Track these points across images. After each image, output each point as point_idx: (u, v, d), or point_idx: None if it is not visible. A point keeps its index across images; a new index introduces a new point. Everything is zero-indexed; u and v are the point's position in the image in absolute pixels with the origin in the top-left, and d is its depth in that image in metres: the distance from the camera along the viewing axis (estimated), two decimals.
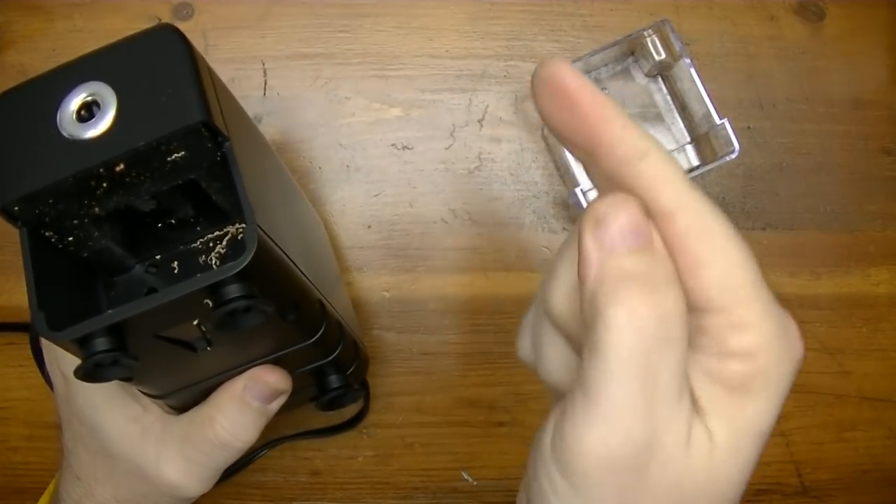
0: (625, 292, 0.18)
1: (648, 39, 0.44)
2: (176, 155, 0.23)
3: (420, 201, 0.45)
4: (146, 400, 0.31)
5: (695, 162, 0.45)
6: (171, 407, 0.31)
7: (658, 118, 0.46)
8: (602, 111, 0.19)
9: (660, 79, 0.46)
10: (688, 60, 0.42)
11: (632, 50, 0.46)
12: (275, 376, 0.30)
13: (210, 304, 0.22)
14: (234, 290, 0.22)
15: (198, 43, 0.46)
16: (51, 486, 0.40)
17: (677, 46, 0.43)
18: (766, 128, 0.47)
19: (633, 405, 0.18)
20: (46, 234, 0.24)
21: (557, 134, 0.20)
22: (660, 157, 0.19)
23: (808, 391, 0.45)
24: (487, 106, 0.47)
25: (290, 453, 0.44)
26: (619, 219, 0.19)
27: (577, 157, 0.20)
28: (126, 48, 0.24)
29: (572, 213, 0.45)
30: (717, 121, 0.42)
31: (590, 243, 0.19)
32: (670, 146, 0.46)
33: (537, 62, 0.20)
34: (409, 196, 0.45)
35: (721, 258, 0.19)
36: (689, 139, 0.46)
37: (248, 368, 0.30)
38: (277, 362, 0.31)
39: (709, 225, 0.19)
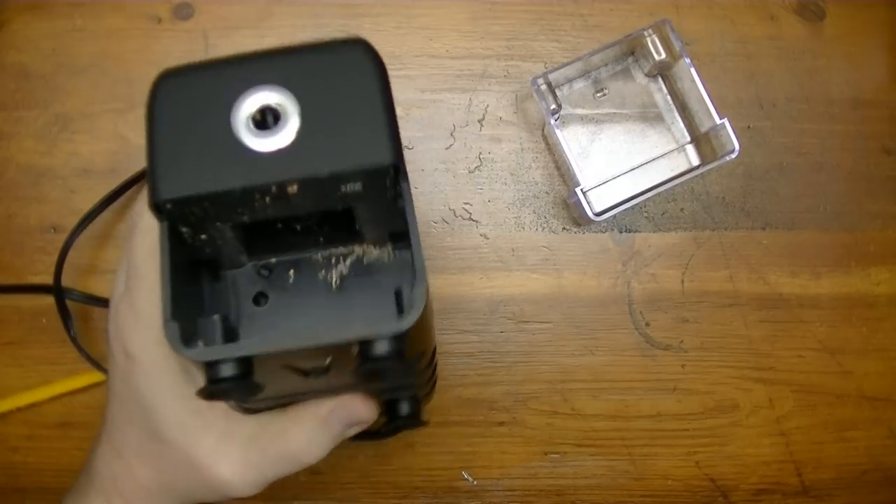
0: None
1: (648, 39, 0.44)
2: (351, 186, 0.21)
3: (420, 201, 0.45)
4: None
5: (695, 162, 0.45)
6: (240, 407, 0.31)
7: (658, 118, 0.46)
8: None
9: (660, 79, 0.46)
10: (688, 60, 0.42)
11: (632, 50, 0.46)
12: (364, 407, 0.30)
13: (356, 350, 0.21)
14: (385, 347, 0.21)
15: (198, 43, 0.46)
16: None
17: (677, 46, 0.43)
18: (766, 128, 0.47)
19: None
20: (183, 229, 0.23)
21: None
22: None
23: (808, 391, 0.45)
24: (487, 106, 0.47)
25: None
26: None
27: None
28: (313, 55, 0.22)
29: (572, 213, 0.45)
30: (717, 120, 0.42)
31: None
32: (670, 146, 0.46)
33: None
34: None
35: None
36: (689, 139, 0.46)
37: (339, 391, 0.29)
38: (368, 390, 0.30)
39: None
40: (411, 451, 0.44)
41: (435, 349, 0.30)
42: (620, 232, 0.46)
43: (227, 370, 0.21)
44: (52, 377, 0.43)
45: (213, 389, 0.21)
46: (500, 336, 0.45)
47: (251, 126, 0.21)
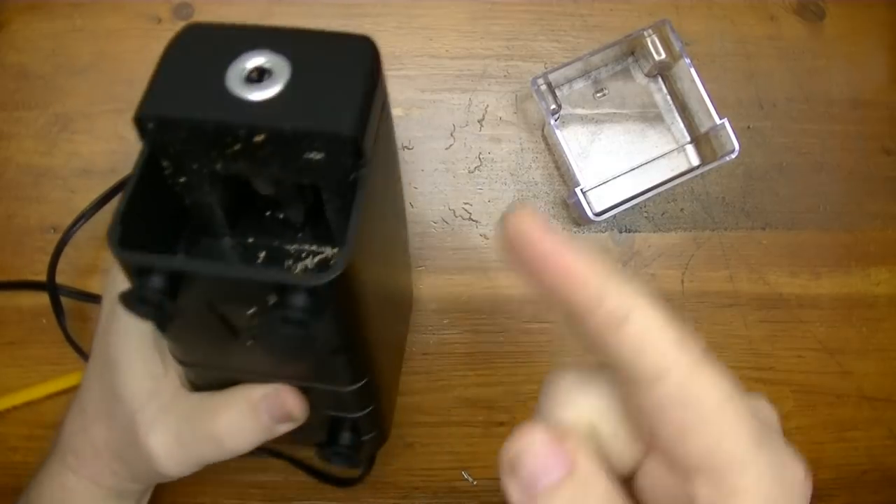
0: None
1: (648, 39, 0.44)
2: (314, 155, 0.23)
3: (420, 201, 0.45)
4: (171, 366, 0.31)
5: (695, 162, 0.45)
6: (188, 380, 0.31)
7: (658, 118, 0.46)
8: (577, 269, 0.18)
9: (660, 79, 0.46)
10: (688, 60, 0.42)
11: (632, 50, 0.46)
12: (295, 402, 0.30)
13: (272, 301, 0.22)
14: (300, 301, 0.21)
15: None
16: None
17: (677, 46, 0.43)
18: (766, 128, 0.47)
19: None
20: (164, 163, 0.24)
21: (536, 293, 0.19)
22: (643, 318, 0.18)
23: (808, 391, 0.45)
24: (487, 106, 0.47)
25: (289, 456, 0.43)
26: (530, 458, 0.19)
27: (560, 317, 0.20)
28: (320, 38, 0.25)
29: (572, 213, 0.45)
30: (717, 121, 0.42)
31: (512, 491, 0.19)
32: (670, 146, 0.46)
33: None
34: (409, 196, 0.45)
35: (709, 427, 0.18)
36: (689, 139, 0.46)
37: (273, 381, 0.30)
38: (304, 391, 0.30)
39: (695, 392, 0.18)
40: (411, 451, 0.44)
41: (373, 365, 0.30)
42: (620, 232, 0.46)
43: (155, 282, 0.21)
44: (52, 378, 0.43)
45: (133, 295, 0.21)
46: (500, 336, 0.45)
47: (243, 80, 0.23)
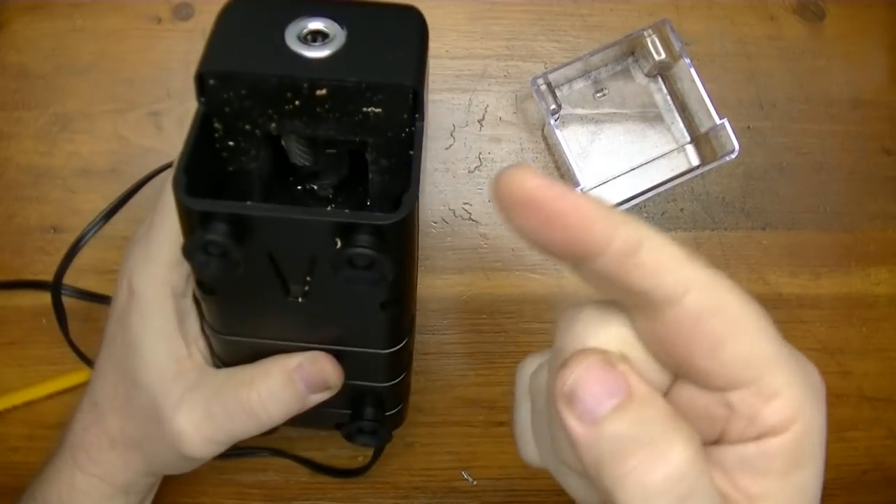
0: (626, 466, 0.18)
1: (648, 39, 0.44)
2: (372, 109, 0.24)
3: (420, 201, 0.45)
4: (195, 347, 0.31)
5: (695, 162, 0.45)
6: (216, 357, 0.31)
7: (658, 118, 0.46)
8: (583, 213, 0.17)
9: (660, 79, 0.46)
10: (688, 60, 0.42)
11: (632, 50, 0.46)
12: (332, 368, 0.30)
13: (339, 244, 0.22)
14: (367, 241, 0.22)
15: (198, 43, 0.46)
16: None
17: (677, 46, 0.43)
18: (766, 128, 0.47)
19: None
20: (216, 125, 0.25)
21: (540, 249, 0.18)
22: (654, 244, 0.18)
23: None
24: (487, 106, 0.47)
25: (291, 453, 0.44)
26: (589, 386, 0.18)
27: (567, 266, 0.19)
28: (368, 8, 0.26)
29: None
30: (717, 121, 0.42)
31: (573, 424, 0.18)
32: (670, 146, 0.46)
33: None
34: None
35: (739, 333, 0.18)
36: (689, 139, 0.46)
37: (309, 348, 0.30)
38: (338, 359, 0.30)
39: (719, 300, 0.18)
40: (411, 451, 0.44)
41: (413, 329, 0.30)
42: None
43: (220, 230, 0.21)
44: (52, 378, 0.43)
45: (197, 243, 0.21)
46: (500, 336, 0.45)
47: (301, 40, 0.24)
